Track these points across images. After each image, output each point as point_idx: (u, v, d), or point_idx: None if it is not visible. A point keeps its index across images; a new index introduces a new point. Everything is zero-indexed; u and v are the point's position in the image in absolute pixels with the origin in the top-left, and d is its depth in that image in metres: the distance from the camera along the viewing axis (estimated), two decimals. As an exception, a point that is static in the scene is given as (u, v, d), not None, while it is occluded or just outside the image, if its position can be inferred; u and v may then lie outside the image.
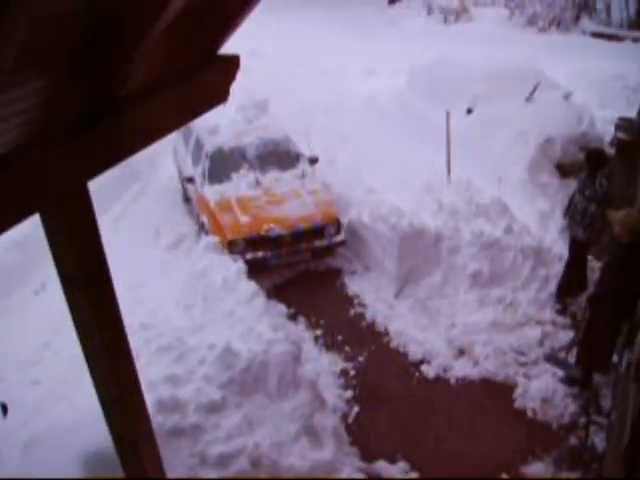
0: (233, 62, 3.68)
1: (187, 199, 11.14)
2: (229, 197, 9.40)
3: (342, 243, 9.30)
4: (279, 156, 10.18)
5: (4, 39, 1.67)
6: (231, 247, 8.74)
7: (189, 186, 10.34)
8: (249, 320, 7.04)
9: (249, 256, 8.74)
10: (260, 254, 8.85)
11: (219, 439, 5.67)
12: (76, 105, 2.73)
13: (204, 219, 9.50)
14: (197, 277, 8.10)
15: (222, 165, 9.85)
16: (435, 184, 9.75)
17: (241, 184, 9.61)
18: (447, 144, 10.18)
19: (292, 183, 9.75)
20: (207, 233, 9.23)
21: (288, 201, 9.38)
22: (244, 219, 9.03)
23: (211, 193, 9.54)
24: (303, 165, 10.09)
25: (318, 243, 9.13)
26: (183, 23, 2.86)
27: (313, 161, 10.26)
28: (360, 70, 17.07)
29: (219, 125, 10.35)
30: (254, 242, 8.85)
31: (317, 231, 9.10)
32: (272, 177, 9.79)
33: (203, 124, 10.17)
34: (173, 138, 11.38)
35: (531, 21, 21.30)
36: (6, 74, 1.88)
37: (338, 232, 9.21)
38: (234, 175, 9.74)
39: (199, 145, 10.33)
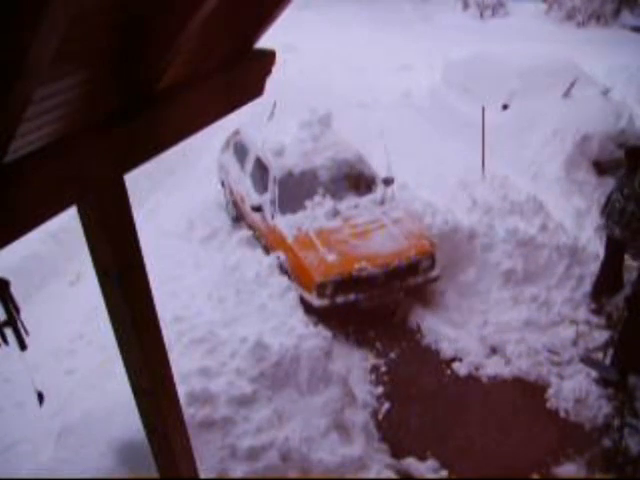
0: (269, 57, 3.69)
1: (238, 218, 10.18)
2: (307, 230, 8.28)
3: (436, 279, 8.19)
4: (354, 179, 9.08)
5: (47, 31, 1.69)
6: (320, 291, 7.74)
7: (255, 215, 9.04)
8: (281, 314, 7.09)
9: (340, 300, 7.76)
10: (352, 297, 7.80)
11: (249, 432, 5.70)
12: (114, 99, 2.77)
13: (280, 255, 8.27)
14: (230, 271, 8.16)
15: (293, 191, 8.71)
16: (469, 180, 9.66)
17: (318, 214, 8.46)
18: (482, 140, 10.08)
19: (372, 211, 8.60)
20: (286, 274, 8.12)
21: (373, 233, 8.24)
22: (331, 257, 7.88)
23: (286, 226, 8.41)
24: (381, 189, 8.98)
25: (412, 281, 8.02)
26: (219, 18, 2.87)
27: (388, 182, 9.05)
28: (395, 65, 16.96)
29: (284, 144, 9.22)
30: (344, 283, 7.80)
31: (411, 267, 8.00)
32: (349, 204, 8.67)
33: (252, 138, 9.55)
34: (217, 156, 10.97)
35: (569, 15, 20.90)
36: (49, 66, 1.91)
37: (432, 267, 8.10)
38: (308, 203, 8.61)
39: (262, 167, 9.20)
